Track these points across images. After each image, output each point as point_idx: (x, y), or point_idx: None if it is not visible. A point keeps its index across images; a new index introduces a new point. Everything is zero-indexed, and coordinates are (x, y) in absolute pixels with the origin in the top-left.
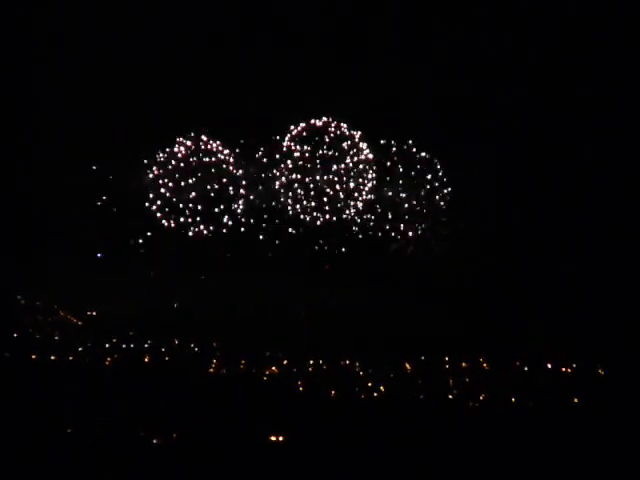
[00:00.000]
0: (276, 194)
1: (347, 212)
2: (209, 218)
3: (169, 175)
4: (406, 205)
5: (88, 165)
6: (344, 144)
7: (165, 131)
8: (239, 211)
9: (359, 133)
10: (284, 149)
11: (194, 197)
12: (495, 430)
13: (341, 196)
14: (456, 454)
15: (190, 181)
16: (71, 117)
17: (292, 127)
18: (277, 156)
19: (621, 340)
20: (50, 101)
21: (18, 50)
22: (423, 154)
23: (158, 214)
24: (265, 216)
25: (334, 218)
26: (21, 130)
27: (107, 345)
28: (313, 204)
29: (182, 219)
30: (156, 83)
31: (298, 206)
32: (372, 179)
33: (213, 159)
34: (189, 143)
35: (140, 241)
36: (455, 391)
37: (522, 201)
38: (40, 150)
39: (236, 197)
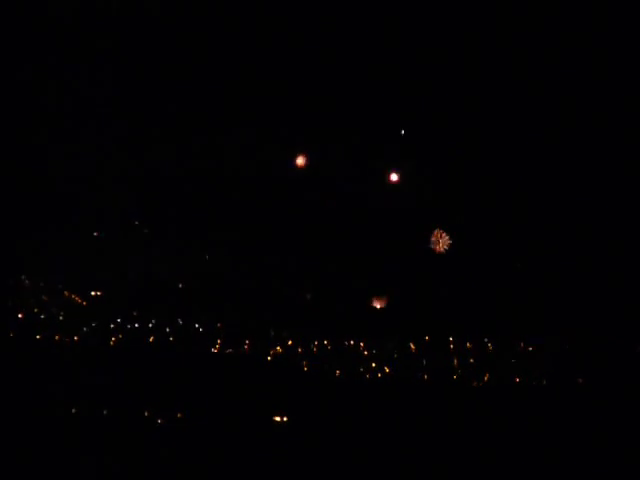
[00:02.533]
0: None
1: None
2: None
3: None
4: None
5: (92, 143)
6: None
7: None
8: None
9: None
10: None
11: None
12: (499, 410)
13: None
14: (460, 434)
15: None
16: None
17: None
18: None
19: (624, 322)
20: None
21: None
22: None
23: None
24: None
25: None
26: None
27: (111, 325)
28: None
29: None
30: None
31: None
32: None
33: None
34: None
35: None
36: (459, 371)
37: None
38: (44, 130)
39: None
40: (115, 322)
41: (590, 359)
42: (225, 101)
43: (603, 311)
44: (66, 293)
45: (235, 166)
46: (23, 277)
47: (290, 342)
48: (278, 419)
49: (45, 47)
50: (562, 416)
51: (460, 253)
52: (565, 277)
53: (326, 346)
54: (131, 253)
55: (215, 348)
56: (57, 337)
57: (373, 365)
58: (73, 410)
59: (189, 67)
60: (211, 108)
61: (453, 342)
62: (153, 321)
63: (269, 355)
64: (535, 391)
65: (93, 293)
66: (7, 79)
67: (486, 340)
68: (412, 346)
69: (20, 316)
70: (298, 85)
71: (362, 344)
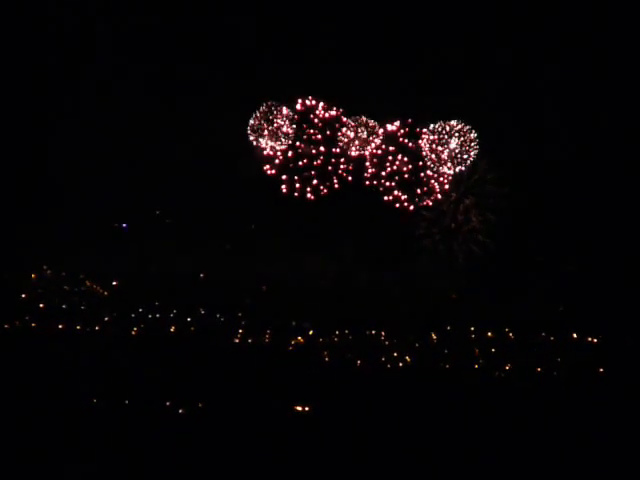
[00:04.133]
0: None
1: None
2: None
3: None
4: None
5: (113, 134)
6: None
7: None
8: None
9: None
10: None
11: None
12: (520, 399)
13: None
14: (481, 423)
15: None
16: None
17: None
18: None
19: None
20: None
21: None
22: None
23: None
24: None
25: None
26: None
27: (133, 315)
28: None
29: None
30: None
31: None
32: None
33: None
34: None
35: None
36: (481, 361)
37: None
38: (66, 120)
39: None
40: (136, 312)
41: (611, 350)
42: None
43: (623, 304)
44: (87, 283)
45: (253, 160)
46: (45, 267)
47: (311, 332)
48: (300, 408)
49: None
50: (583, 405)
51: (485, 245)
52: (588, 269)
53: (347, 336)
54: (152, 243)
55: (237, 338)
56: (78, 327)
57: (394, 355)
58: (94, 400)
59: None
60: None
61: (474, 332)
62: (174, 311)
63: (290, 345)
64: (556, 381)
65: (114, 283)
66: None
67: (507, 330)
68: (433, 336)
69: (41, 306)
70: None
71: (383, 334)
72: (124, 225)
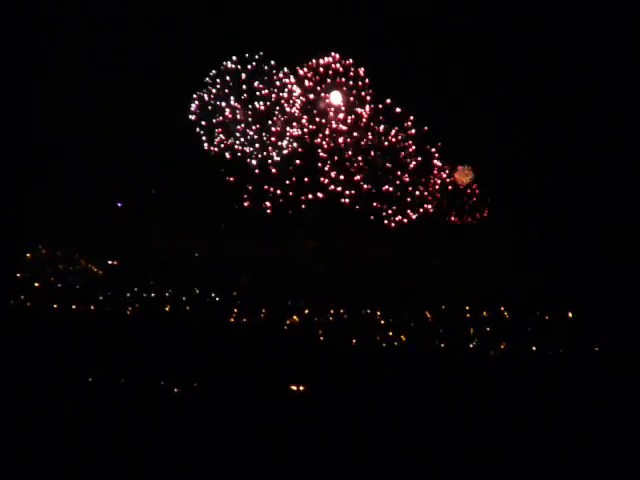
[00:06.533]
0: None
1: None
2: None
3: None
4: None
5: (112, 110)
6: None
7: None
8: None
9: None
10: None
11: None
12: (516, 378)
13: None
14: (476, 402)
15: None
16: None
17: None
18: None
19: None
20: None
21: None
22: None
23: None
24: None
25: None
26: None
27: (128, 294)
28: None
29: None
30: None
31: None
32: None
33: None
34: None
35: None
36: (476, 340)
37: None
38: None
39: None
40: (131, 291)
41: (606, 327)
42: None
43: (618, 280)
44: (82, 262)
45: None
46: (40, 246)
47: (306, 311)
48: (294, 388)
49: None
50: (578, 384)
51: (479, 224)
52: (581, 248)
53: (342, 315)
54: (147, 222)
55: (231, 317)
56: (74, 306)
57: (390, 334)
58: (89, 379)
59: None
60: None
61: (469, 311)
62: (169, 290)
63: (285, 324)
64: (552, 360)
65: (110, 262)
66: None
67: (502, 309)
68: (428, 315)
69: (37, 285)
70: None
71: (378, 313)
72: (119, 204)
